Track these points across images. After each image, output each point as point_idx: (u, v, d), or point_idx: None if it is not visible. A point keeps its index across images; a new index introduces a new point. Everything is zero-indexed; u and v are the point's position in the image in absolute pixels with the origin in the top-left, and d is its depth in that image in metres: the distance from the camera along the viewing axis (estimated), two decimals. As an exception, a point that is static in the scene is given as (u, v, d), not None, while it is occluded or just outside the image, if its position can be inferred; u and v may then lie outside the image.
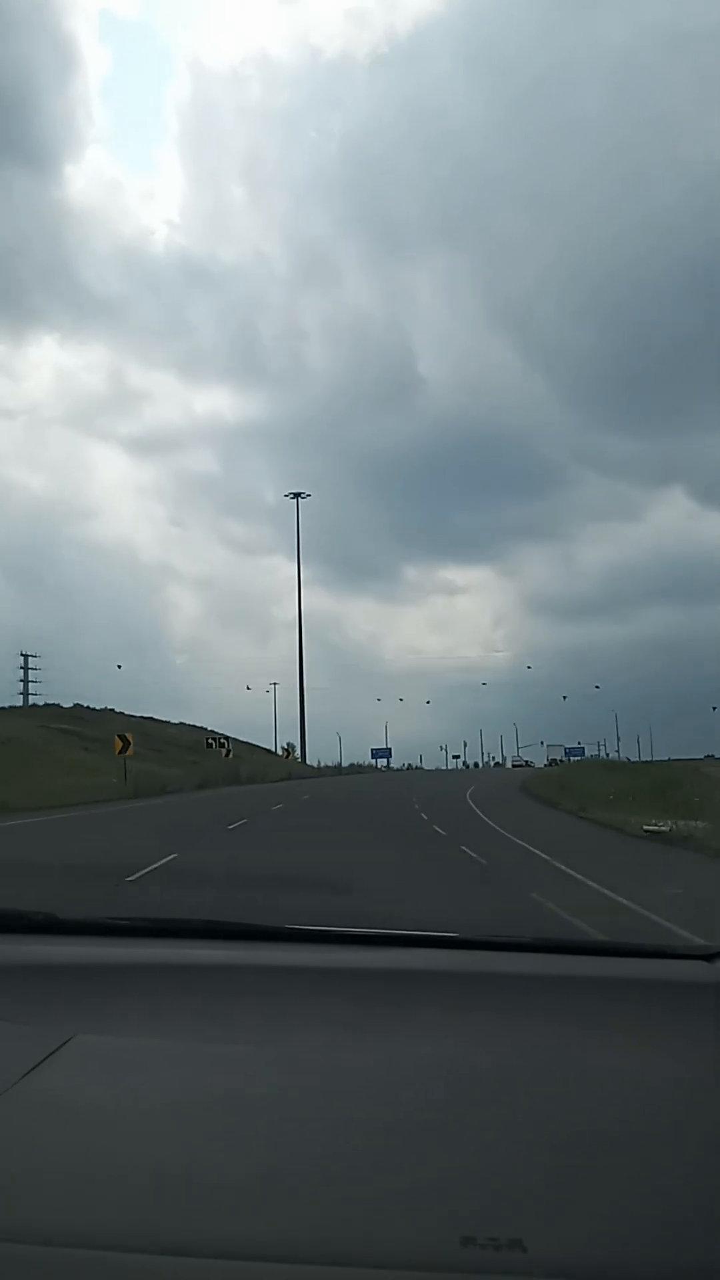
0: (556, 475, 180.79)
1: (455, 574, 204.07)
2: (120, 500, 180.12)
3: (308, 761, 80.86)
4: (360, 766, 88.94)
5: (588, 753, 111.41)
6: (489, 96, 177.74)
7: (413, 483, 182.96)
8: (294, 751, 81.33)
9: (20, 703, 69.89)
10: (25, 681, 74.91)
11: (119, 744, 33.84)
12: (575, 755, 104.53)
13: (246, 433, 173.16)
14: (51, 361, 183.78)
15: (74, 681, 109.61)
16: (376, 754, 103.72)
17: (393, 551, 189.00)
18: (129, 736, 34.40)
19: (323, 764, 78.08)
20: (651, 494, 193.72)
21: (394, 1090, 1.14)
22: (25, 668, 75.42)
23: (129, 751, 33.56)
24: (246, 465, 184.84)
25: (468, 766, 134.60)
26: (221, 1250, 0.79)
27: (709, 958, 1.56)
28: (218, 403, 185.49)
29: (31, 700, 71.96)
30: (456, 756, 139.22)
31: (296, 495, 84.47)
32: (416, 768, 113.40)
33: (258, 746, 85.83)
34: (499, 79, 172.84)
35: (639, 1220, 0.84)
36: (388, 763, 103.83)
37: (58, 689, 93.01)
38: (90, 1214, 0.85)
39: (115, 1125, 1.04)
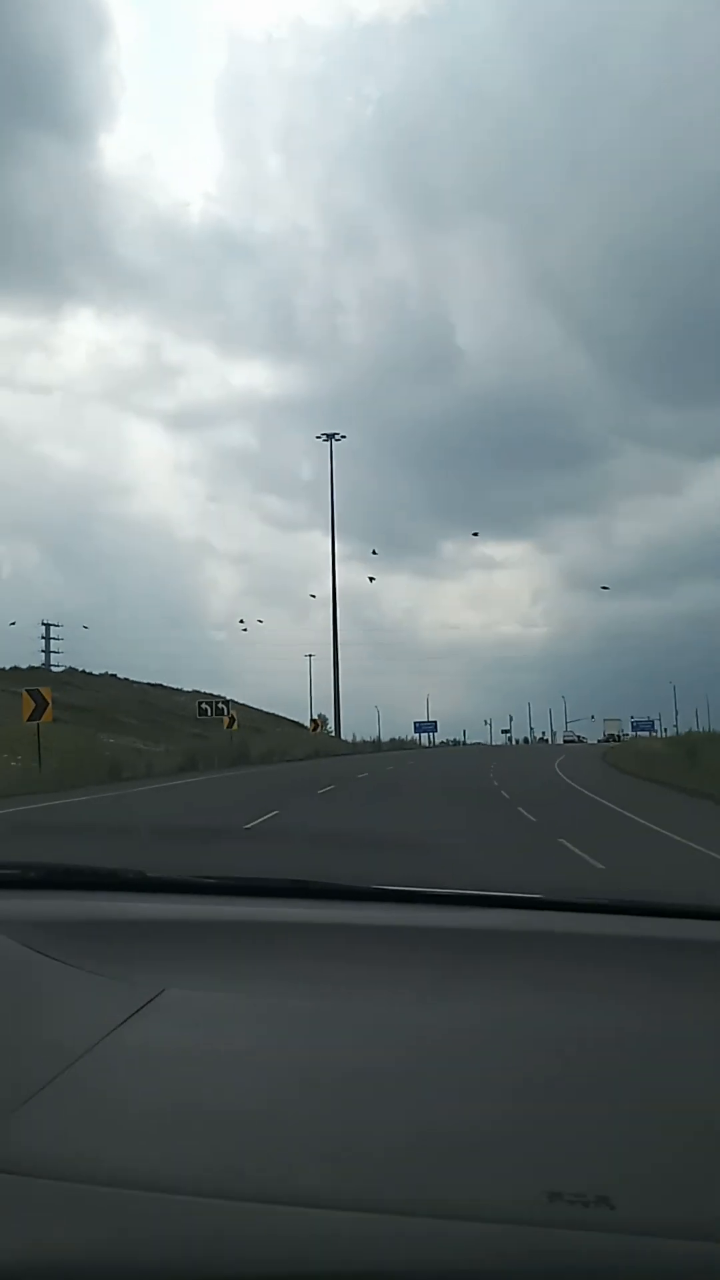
0: (597, 448, 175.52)
1: (494, 549, 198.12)
2: (157, 476, 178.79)
3: (342, 736, 70.49)
4: (402, 741, 78.19)
5: (656, 727, 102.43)
6: (528, 57, 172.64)
7: (451, 456, 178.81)
8: (325, 724, 70.77)
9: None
10: (47, 652, 70.67)
11: (28, 705, 21.84)
12: (643, 730, 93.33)
13: (283, 406, 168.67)
14: (88, 336, 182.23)
15: (107, 654, 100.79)
16: (420, 727, 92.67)
17: (431, 526, 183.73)
18: (46, 694, 22.25)
19: (359, 739, 67.24)
20: (694, 466, 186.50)
21: (481, 1050, 1.13)
22: (46, 637, 71.47)
23: (45, 716, 21.66)
24: (284, 440, 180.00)
25: (516, 742, 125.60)
26: (308, 1200, 0.79)
27: None
28: (255, 377, 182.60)
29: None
30: (505, 731, 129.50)
31: (330, 437, 74.39)
32: (459, 743, 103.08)
33: (285, 719, 75.99)
34: (538, 39, 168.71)
35: None
36: (432, 737, 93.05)
37: (90, 660, 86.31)
38: (178, 1160, 0.86)
39: (204, 1076, 1.04)
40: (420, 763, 38.07)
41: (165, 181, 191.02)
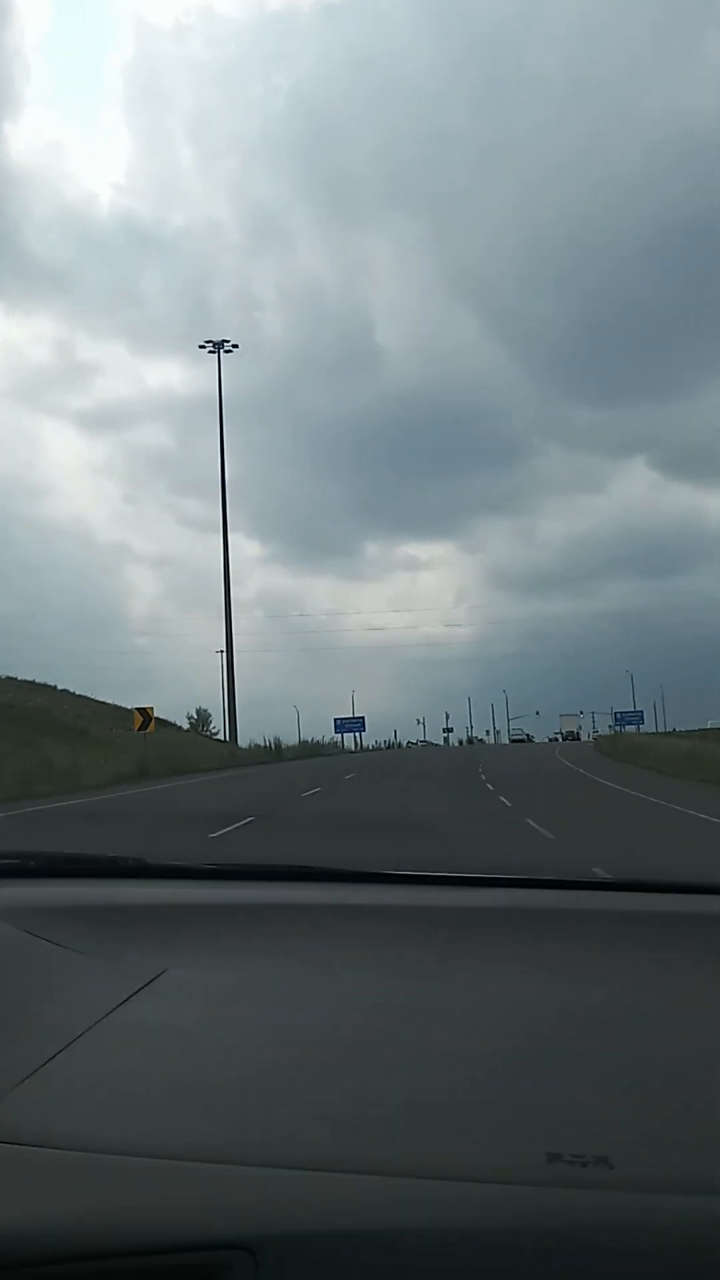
0: (520, 446, 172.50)
1: (418, 549, 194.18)
2: (71, 477, 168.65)
3: (239, 739, 51.16)
4: (318, 746, 59.15)
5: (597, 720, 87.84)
6: (440, 47, 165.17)
7: (373, 455, 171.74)
8: (205, 725, 51.44)
9: None
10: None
11: None
12: (629, 724, 76.30)
13: (201, 406, 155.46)
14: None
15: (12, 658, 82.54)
16: (343, 725, 73.73)
17: (354, 527, 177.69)
18: None
19: (267, 743, 47.52)
20: (615, 465, 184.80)
21: (479, 1020, 1.17)
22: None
23: None
24: (201, 440, 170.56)
25: (463, 742, 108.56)
26: (309, 1163, 0.81)
27: None
28: (170, 375, 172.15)
29: None
30: (448, 730, 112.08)
31: (218, 346, 55.17)
32: (395, 745, 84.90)
33: (169, 722, 56.59)
34: (450, 29, 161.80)
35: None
36: (359, 738, 74.31)
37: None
38: (179, 1128, 0.88)
39: (204, 1049, 1.07)
40: (295, 805, 16.95)
41: (75, 173, 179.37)
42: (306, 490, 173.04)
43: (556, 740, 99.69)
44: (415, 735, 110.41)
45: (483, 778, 23.70)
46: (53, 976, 1.27)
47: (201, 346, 55.55)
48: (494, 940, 1.51)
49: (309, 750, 53.63)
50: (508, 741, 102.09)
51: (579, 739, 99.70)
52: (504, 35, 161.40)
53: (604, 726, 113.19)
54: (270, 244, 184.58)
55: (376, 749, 77.34)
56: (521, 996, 1.24)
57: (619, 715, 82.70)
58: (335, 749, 64.85)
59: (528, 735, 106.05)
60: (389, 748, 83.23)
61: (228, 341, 56.17)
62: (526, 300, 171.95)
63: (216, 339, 55.06)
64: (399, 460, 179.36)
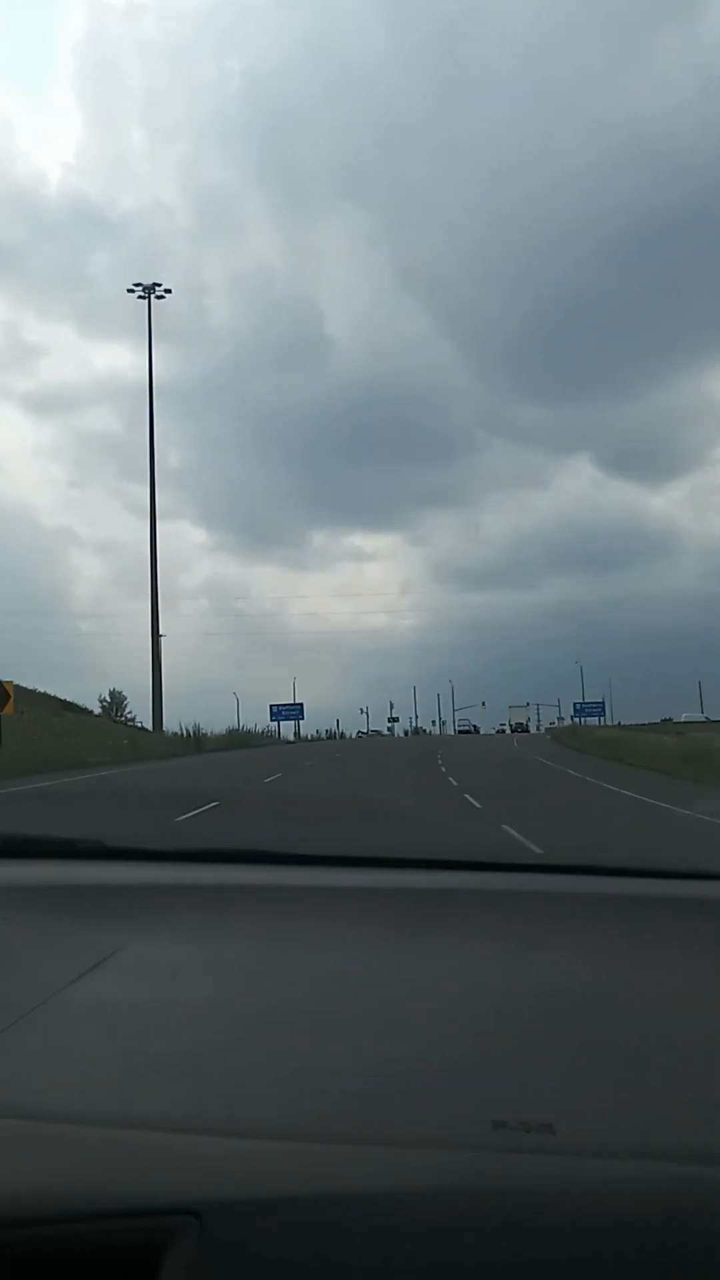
0: (465, 441, 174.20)
1: (364, 540, 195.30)
2: (14, 461, 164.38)
3: (164, 727, 44.43)
4: (250, 735, 52.13)
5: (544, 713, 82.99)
6: (396, 36, 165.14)
7: (321, 446, 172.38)
8: (119, 710, 44.43)
9: None
10: None
11: None
12: (590, 715, 70.99)
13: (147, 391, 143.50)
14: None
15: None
16: (280, 713, 66.92)
17: (301, 517, 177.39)
18: None
19: (198, 732, 40.63)
20: (558, 461, 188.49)
21: (428, 995, 1.18)
22: None
23: None
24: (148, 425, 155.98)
25: (408, 733, 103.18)
26: (257, 1130, 0.82)
27: None
28: (119, 359, 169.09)
29: None
30: (393, 720, 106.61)
31: (148, 291, 49.82)
32: (338, 735, 78.75)
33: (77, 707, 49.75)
34: (406, 19, 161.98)
35: (664, 1108, 0.88)
36: (298, 727, 67.80)
37: None
38: (132, 1099, 0.88)
39: (160, 1024, 1.07)
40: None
41: (22, 151, 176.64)
42: (255, 479, 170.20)
43: (504, 731, 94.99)
44: (359, 725, 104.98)
45: (453, 783, 18.06)
46: (4, 954, 1.29)
47: (130, 290, 49.75)
48: (450, 921, 1.53)
49: (237, 740, 46.76)
50: (454, 733, 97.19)
51: (528, 731, 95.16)
52: (459, 29, 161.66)
53: (552, 718, 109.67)
54: (221, 230, 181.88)
55: (315, 739, 70.88)
56: (471, 973, 1.27)
57: (579, 706, 77.61)
58: (269, 738, 58.11)
59: (474, 727, 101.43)
60: (330, 737, 76.80)
61: (159, 285, 49.59)
62: (476, 296, 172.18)
63: (150, 290, 48.71)
64: (347, 451, 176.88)
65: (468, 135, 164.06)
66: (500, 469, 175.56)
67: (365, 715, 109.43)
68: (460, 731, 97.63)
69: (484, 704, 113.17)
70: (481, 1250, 0.72)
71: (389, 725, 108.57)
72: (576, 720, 72.49)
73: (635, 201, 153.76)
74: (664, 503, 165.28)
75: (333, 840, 5.08)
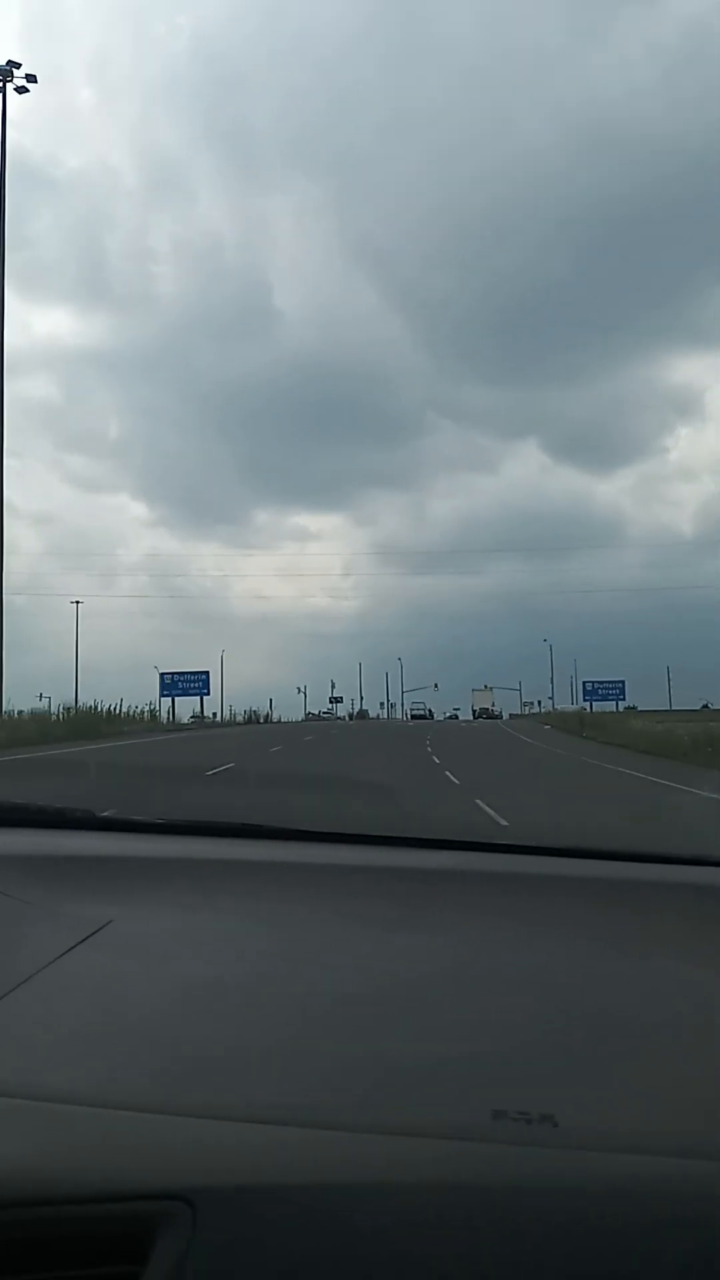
0: (414, 422, 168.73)
1: (308, 520, 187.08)
2: None
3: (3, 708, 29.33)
4: (117, 718, 36.11)
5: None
6: (352, 4, 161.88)
7: (267, 422, 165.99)
8: None
9: None
10: None
11: None
12: (610, 696, 55.38)
13: (90, 359, 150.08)
14: None
15: None
16: (174, 686, 50.58)
17: (245, 494, 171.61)
18: None
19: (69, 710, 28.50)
20: (507, 446, 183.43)
21: (427, 976, 1.16)
22: None
23: None
24: (90, 395, 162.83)
25: (351, 716, 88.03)
26: (253, 1115, 0.81)
27: None
28: (59, 324, 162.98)
29: None
30: (335, 700, 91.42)
31: (2, 74, 35.72)
32: (261, 719, 62.93)
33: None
34: None
35: (667, 1103, 0.87)
36: (201, 705, 51.72)
37: None
38: (124, 1079, 0.87)
39: (149, 1001, 1.05)
40: None
41: None
42: (198, 453, 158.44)
43: (456, 718, 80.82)
44: (294, 706, 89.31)
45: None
46: None
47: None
48: (447, 902, 1.49)
49: (83, 725, 30.89)
50: (407, 718, 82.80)
51: (497, 717, 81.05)
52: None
53: (513, 703, 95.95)
54: (168, 194, 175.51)
55: (230, 722, 55.05)
56: (473, 958, 1.24)
57: (592, 687, 60.97)
58: (142, 722, 42.16)
59: (429, 710, 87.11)
60: (250, 720, 60.93)
61: (17, 68, 35.65)
62: (428, 275, 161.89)
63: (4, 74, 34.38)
64: (294, 428, 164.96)
65: (423, 110, 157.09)
66: (449, 451, 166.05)
67: (303, 695, 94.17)
68: (415, 716, 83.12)
69: (436, 685, 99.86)
70: (480, 1241, 0.70)
71: (328, 708, 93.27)
72: (586, 705, 57.17)
73: (591, 187, 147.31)
74: (612, 490, 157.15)
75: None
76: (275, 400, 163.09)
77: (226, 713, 66.79)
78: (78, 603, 57.86)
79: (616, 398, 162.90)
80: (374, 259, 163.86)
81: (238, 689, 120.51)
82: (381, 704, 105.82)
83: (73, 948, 1.14)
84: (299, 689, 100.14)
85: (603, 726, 39.36)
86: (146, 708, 46.75)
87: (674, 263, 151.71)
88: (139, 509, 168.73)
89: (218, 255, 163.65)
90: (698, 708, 58.45)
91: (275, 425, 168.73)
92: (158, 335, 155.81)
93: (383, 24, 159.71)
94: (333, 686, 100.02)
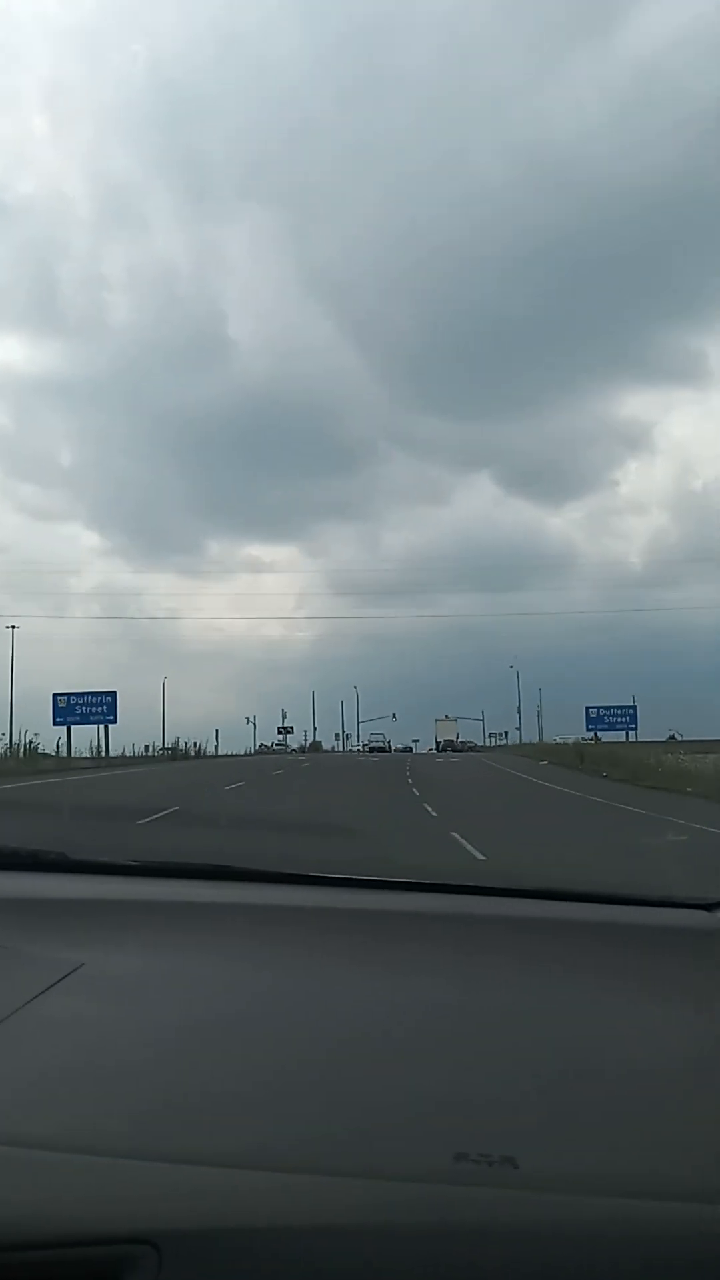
0: (367, 452, 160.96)
1: (261, 550, 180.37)
2: None
3: None
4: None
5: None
6: (309, 35, 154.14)
7: (220, 451, 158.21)
8: None
9: None
10: None
11: None
12: (620, 726, 45.00)
13: (42, 386, 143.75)
14: None
15: None
16: (68, 711, 39.73)
17: (197, 525, 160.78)
18: None
19: None
20: (461, 478, 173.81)
21: (393, 1019, 1.17)
22: None
23: None
24: (40, 422, 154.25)
25: (304, 749, 78.20)
26: (218, 1159, 0.80)
27: (709, 907, 1.59)
28: (10, 352, 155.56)
29: None
30: (285, 730, 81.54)
31: None
32: (197, 753, 52.49)
33: None
34: (321, 16, 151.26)
35: (626, 1143, 0.87)
36: (104, 736, 40.89)
37: None
38: (91, 1123, 0.87)
39: (119, 1045, 1.06)
40: None
41: None
42: (151, 483, 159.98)
43: (410, 751, 71.59)
44: (243, 737, 79.11)
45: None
46: None
47: None
48: (408, 943, 1.49)
49: None
50: (363, 748, 73.27)
51: (474, 749, 71.83)
52: (373, 31, 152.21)
53: (475, 734, 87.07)
54: (122, 223, 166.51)
55: (145, 757, 44.61)
56: (433, 999, 1.24)
57: (595, 713, 48.81)
58: (26, 759, 31.94)
59: (387, 743, 77.46)
60: (176, 756, 50.24)
61: None
62: (383, 308, 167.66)
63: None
64: (247, 458, 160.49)
65: (380, 144, 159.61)
66: (403, 482, 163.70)
67: (253, 725, 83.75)
68: (372, 749, 73.41)
69: (395, 716, 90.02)
70: None
71: (280, 739, 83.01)
72: (591, 735, 46.97)
73: (548, 227, 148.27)
74: (562, 523, 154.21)
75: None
76: (230, 430, 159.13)
77: (163, 743, 55.99)
78: (13, 627, 48.49)
79: (569, 432, 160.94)
80: (330, 290, 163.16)
81: (186, 718, 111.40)
82: (336, 735, 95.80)
83: (44, 991, 1.13)
84: (248, 719, 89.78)
85: (621, 762, 29.56)
86: (28, 741, 36.74)
87: (621, 300, 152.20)
88: (92, 538, 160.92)
89: (172, 283, 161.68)
90: (664, 739, 50.88)
91: (229, 455, 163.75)
92: (111, 364, 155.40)
93: (338, 56, 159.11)
94: (284, 716, 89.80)
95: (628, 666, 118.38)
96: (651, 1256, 0.73)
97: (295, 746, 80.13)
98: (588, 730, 44.42)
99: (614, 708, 48.79)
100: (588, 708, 45.96)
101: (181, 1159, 0.79)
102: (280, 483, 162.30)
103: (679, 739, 51.09)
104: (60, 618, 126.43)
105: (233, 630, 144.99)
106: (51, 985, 1.15)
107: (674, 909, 1.62)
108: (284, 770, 29.66)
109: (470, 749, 77.58)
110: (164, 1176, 0.77)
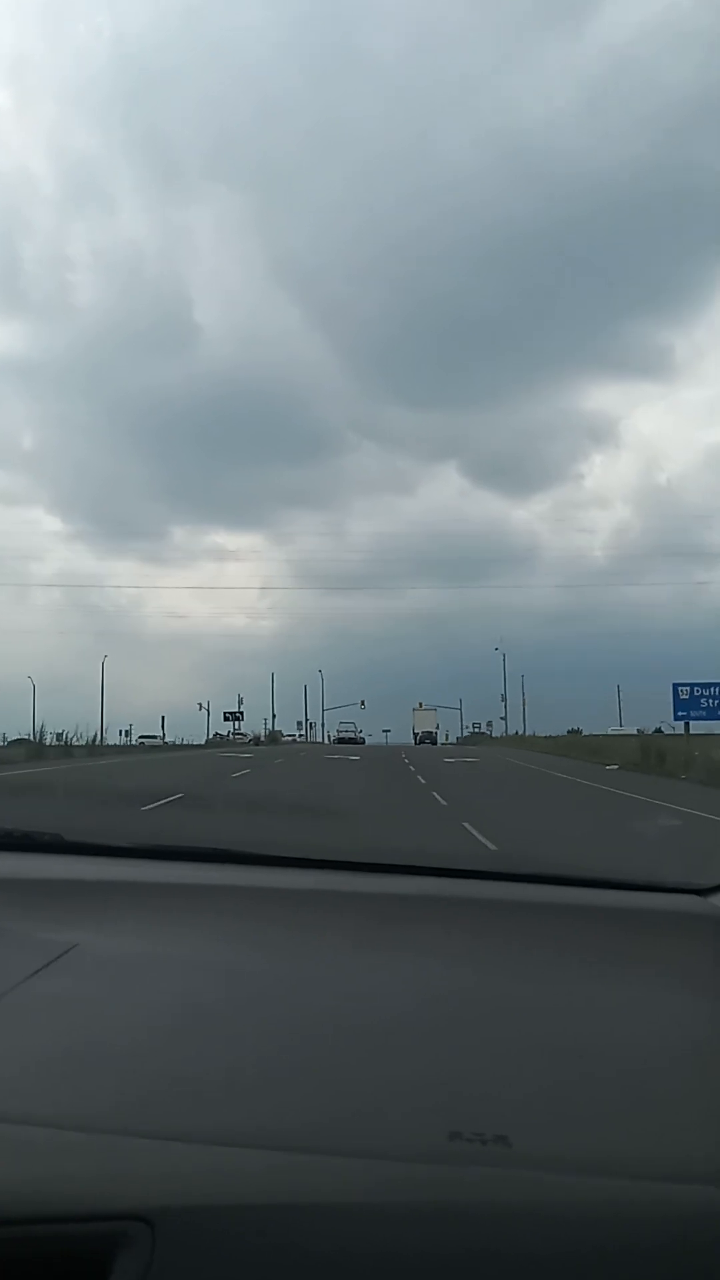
0: (334, 441, 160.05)
1: (226, 538, 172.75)
2: None
3: None
4: None
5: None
6: (275, 11, 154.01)
7: (185, 437, 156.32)
8: None
9: None
10: None
11: None
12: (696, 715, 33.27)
13: (1, 367, 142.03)
14: None
15: None
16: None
17: (160, 511, 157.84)
18: None
19: None
20: (427, 469, 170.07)
21: (387, 1000, 1.18)
22: None
23: None
24: (1, 404, 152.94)
25: (259, 740, 68.68)
26: (212, 1137, 0.81)
27: (701, 892, 1.61)
28: None
29: None
30: (235, 715, 72.43)
31: None
32: (157, 742, 43.61)
33: None
34: None
35: (618, 1124, 0.88)
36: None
37: None
38: (86, 1101, 0.87)
39: (114, 1025, 1.06)
40: None
41: None
42: (115, 468, 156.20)
43: (421, 743, 63.23)
44: (196, 724, 69.85)
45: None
46: None
47: None
48: (404, 926, 1.51)
49: None
50: (333, 739, 64.60)
51: (433, 742, 63.79)
52: (341, 7, 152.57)
53: (453, 724, 78.42)
54: (87, 203, 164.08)
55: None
56: (427, 981, 1.25)
57: (689, 693, 30.28)
58: None
59: (357, 733, 69.79)
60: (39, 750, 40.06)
61: None
62: (351, 295, 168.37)
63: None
64: (213, 445, 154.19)
65: (348, 128, 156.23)
66: (370, 472, 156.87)
67: (206, 712, 74.45)
68: (341, 740, 64.99)
69: (363, 703, 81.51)
70: (435, 1263, 0.72)
71: (237, 729, 73.47)
72: (675, 726, 30.60)
73: (518, 219, 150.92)
74: (527, 515, 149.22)
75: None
76: (195, 416, 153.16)
77: (33, 732, 45.64)
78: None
79: (535, 424, 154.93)
80: (297, 276, 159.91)
81: (141, 705, 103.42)
82: (299, 723, 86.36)
83: (38, 971, 1.14)
84: (200, 705, 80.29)
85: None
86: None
87: (589, 292, 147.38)
88: (54, 523, 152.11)
89: (137, 266, 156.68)
90: (650, 730, 45.43)
91: (195, 441, 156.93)
92: (73, 346, 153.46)
93: (306, 33, 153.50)
94: (240, 701, 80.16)
95: (609, 659, 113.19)
96: (641, 1236, 0.74)
97: (252, 736, 70.35)
98: (676, 717, 30.43)
99: (704, 684, 29.37)
100: (676, 685, 28.28)
101: (176, 1137, 0.80)
102: (246, 470, 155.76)
103: (663, 732, 42.68)
104: (18, 594, 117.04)
105: (196, 617, 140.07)
106: (45, 965, 1.16)
107: (666, 894, 1.64)
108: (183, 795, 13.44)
109: (448, 744, 68.98)
110: (159, 1154, 0.78)
